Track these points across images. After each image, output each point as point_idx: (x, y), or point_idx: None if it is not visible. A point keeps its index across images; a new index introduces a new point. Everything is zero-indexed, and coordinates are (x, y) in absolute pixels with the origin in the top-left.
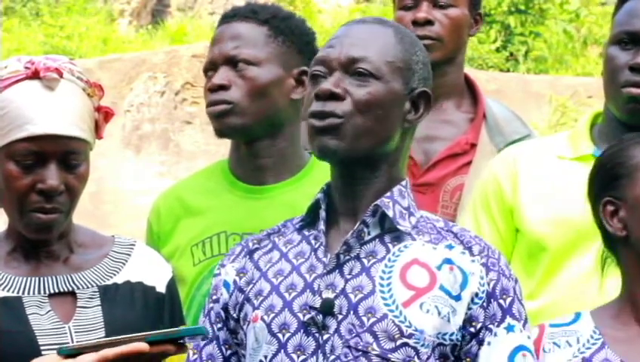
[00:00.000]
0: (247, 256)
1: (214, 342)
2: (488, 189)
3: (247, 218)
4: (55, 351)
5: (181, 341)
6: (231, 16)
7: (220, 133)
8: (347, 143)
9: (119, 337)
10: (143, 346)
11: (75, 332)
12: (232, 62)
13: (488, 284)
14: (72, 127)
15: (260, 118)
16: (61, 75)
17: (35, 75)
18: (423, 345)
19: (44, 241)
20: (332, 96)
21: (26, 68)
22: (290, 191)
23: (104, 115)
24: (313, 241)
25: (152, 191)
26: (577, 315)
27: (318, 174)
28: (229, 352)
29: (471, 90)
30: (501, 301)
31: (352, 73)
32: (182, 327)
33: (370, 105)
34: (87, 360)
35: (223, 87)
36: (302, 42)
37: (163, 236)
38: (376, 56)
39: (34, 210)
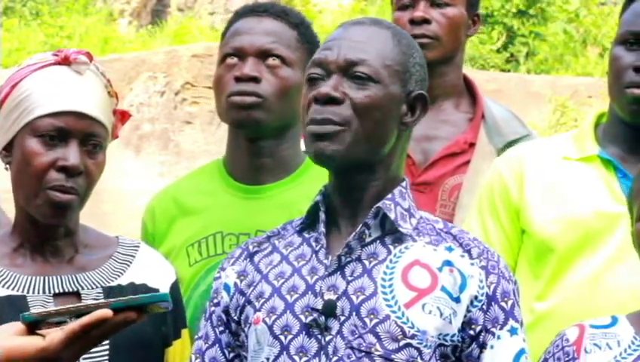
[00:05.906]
0: (248, 259)
1: (217, 345)
2: (494, 190)
3: (244, 218)
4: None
5: (145, 308)
6: (261, 10)
7: (240, 124)
8: (345, 149)
9: (82, 304)
10: (107, 313)
11: None
12: (265, 55)
13: (488, 287)
14: (96, 109)
15: (280, 118)
16: (91, 60)
17: (64, 62)
18: (425, 346)
19: (51, 235)
20: (331, 100)
21: (55, 55)
22: (286, 190)
23: (120, 116)
24: (314, 243)
25: (152, 191)
26: (614, 319)
27: (314, 173)
28: (231, 355)
29: (470, 91)
30: (502, 303)
31: (350, 76)
32: (143, 295)
33: (370, 109)
34: (56, 338)
35: (254, 79)
36: (315, 51)
37: (158, 237)
38: (374, 59)
39: (52, 188)
